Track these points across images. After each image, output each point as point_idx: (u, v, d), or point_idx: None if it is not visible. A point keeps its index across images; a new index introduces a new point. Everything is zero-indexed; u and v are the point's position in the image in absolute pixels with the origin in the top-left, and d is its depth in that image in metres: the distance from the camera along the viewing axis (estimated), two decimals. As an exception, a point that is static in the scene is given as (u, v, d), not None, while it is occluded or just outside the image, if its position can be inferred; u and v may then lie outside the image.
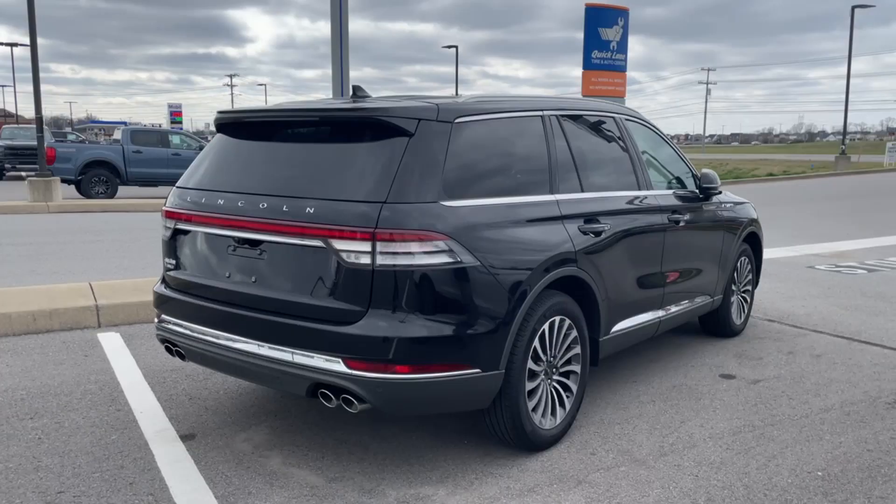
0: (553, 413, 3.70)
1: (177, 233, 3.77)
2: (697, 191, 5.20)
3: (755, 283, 6.34)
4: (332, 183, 3.20)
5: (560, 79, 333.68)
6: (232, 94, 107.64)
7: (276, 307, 3.29)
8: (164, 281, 3.92)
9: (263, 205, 3.30)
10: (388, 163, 3.15)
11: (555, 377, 3.71)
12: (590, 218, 3.92)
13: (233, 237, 3.44)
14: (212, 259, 3.59)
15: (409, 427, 3.94)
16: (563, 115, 4.11)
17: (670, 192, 4.93)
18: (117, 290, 6.57)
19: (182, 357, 3.78)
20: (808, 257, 10.12)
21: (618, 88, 25.67)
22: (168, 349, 3.85)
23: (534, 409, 3.56)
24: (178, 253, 3.79)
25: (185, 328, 3.66)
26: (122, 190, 19.56)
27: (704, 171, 5.28)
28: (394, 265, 3.03)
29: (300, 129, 3.56)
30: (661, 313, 4.71)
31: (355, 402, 3.10)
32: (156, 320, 3.92)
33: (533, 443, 3.57)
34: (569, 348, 3.77)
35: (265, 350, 3.29)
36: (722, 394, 4.56)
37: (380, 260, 3.02)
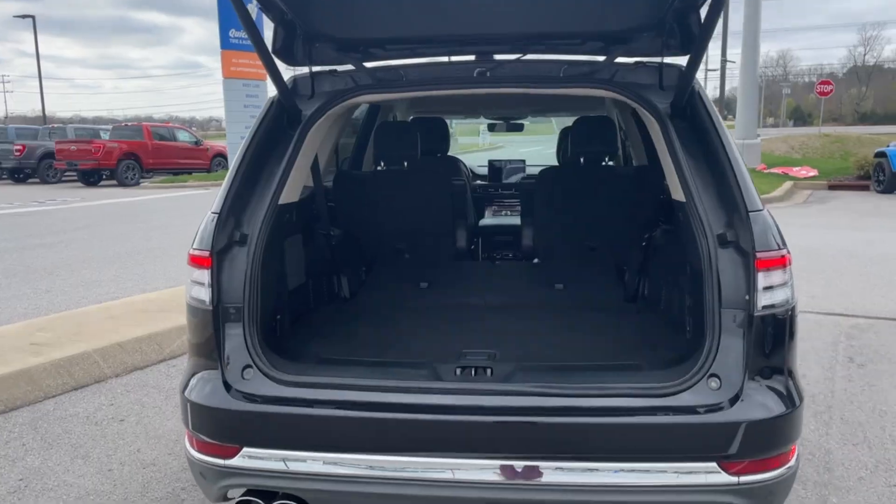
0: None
1: None
2: None
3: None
4: None
5: (117, 60, 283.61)
6: None
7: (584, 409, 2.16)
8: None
9: None
10: None
11: None
12: None
13: None
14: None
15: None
16: None
17: None
18: None
19: None
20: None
21: (259, 71, 24.18)
22: None
23: None
24: None
25: (340, 465, 2.24)
26: None
27: None
28: (770, 307, 2.16)
29: None
30: None
31: None
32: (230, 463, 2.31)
33: None
34: None
35: (565, 475, 2.15)
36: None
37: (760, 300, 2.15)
